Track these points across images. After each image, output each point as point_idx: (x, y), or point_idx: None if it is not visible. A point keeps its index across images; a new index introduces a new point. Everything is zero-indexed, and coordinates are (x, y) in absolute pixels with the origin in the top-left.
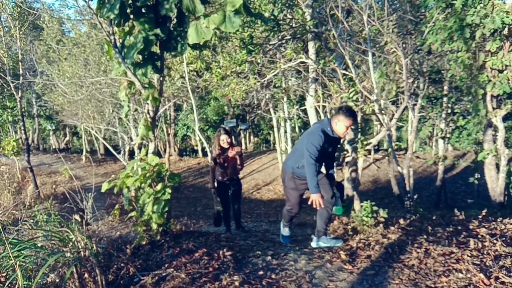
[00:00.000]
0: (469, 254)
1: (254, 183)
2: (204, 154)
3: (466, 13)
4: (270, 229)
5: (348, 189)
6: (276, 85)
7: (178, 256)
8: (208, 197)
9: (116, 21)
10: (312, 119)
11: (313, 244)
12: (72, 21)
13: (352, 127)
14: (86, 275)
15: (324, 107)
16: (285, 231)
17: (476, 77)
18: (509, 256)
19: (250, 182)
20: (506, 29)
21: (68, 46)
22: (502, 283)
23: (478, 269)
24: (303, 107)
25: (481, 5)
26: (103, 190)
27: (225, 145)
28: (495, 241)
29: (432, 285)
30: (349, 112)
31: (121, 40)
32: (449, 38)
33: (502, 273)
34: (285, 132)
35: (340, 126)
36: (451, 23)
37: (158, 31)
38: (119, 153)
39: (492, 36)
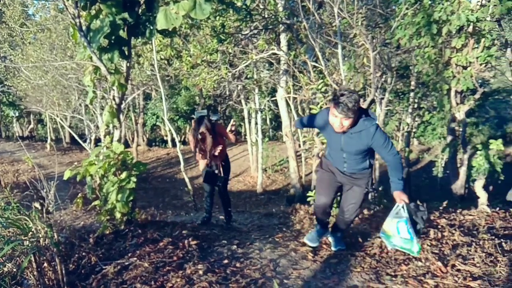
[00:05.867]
0: (429, 244)
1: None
2: (174, 144)
3: (433, 9)
4: (238, 219)
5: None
6: (248, 76)
7: (142, 245)
8: (176, 187)
9: (82, 4)
10: (283, 110)
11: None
12: (36, 4)
13: (339, 116)
14: (45, 264)
15: (294, 98)
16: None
17: (441, 72)
18: (466, 245)
19: None
20: (471, 26)
21: (33, 29)
22: (458, 270)
23: (437, 257)
24: (274, 98)
25: (448, 2)
26: (65, 178)
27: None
28: (453, 231)
29: (392, 273)
30: (336, 96)
31: (87, 24)
32: (417, 34)
33: (459, 261)
34: (256, 123)
35: (330, 115)
36: (419, 19)
37: (125, 15)
38: (85, 141)
39: (458, 33)
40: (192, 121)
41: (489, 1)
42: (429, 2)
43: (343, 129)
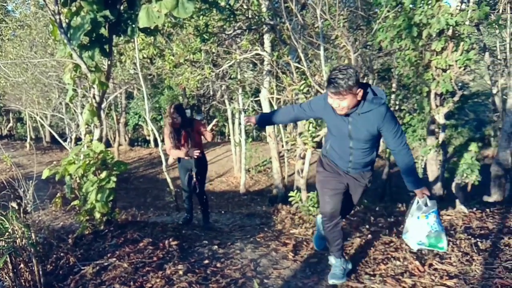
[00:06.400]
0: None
1: (206, 175)
2: (157, 144)
3: (414, 12)
4: (219, 219)
5: (298, 181)
6: (232, 76)
7: (121, 246)
8: (158, 188)
9: (62, 0)
10: (266, 111)
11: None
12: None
13: (334, 97)
14: (21, 265)
15: (278, 99)
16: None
17: (421, 75)
18: None
19: None
20: (451, 30)
21: (12, 26)
22: (435, 269)
23: (415, 257)
24: (257, 99)
25: (429, 6)
26: (43, 177)
27: (176, 125)
28: None
29: (371, 273)
30: (330, 74)
31: (67, 21)
32: (398, 36)
33: (436, 261)
34: (239, 124)
35: (328, 97)
36: (400, 22)
37: (107, 12)
38: (65, 140)
39: (438, 37)
40: (167, 107)
41: (468, 6)
42: (410, 6)
43: (344, 111)
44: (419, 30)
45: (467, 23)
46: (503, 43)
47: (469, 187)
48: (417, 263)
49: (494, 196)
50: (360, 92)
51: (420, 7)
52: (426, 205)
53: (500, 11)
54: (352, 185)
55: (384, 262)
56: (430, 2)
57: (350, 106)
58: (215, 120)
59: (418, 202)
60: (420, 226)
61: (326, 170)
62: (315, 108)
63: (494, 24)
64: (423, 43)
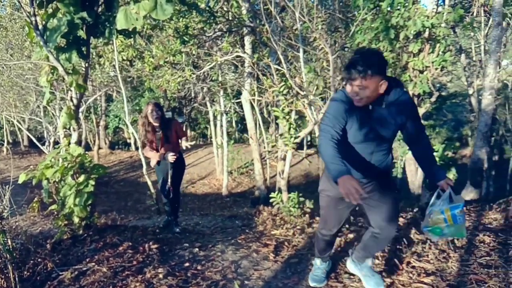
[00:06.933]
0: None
1: (189, 177)
2: (137, 147)
3: (391, 15)
4: (201, 222)
5: (279, 182)
6: (213, 79)
7: (101, 250)
8: (139, 191)
9: (38, 2)
10: (248, 113)
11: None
12: None
13: (353, 83)
14: None
15: (259, 101)
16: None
17: (399, 76)
18: (420, 243)
19: (185, 176)
20: (427, 32)
21: None
22: (413, 267)
23: (393, 255)
24: (239, 101)
25: (406, 8)
26: (20, 182)
27: (156, 122)
28: (410, 229)
29: (350, 271)
30: (353, 57)
31: (44, 22)
32: (376, 38)
33: (413, 259)
34: (221, 126)
35: (347, 87)
36: (378, 24)
37: (84, 14)
38: (43, 144)
39: (415, 39)
40: (145, 106)
41: (444, 8)
42: (388, 8)
43: (362, 102)
44: (396, 32)
45: (443, 25)
46: (478, 45)
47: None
48: (395, 260)
49: (471, 194)
50: (384, 85)
51: (397, 9)
52: (450, 197)
53: (474, 14)
54: (373, 193)
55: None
56: (406, 4)
57: (370, 98)
58: (188, 145)
59: (439, 194)
60: (443, 219)
61: (330, 195)
62: (339, 115)
63: (468, 26)
64: (400, 45)
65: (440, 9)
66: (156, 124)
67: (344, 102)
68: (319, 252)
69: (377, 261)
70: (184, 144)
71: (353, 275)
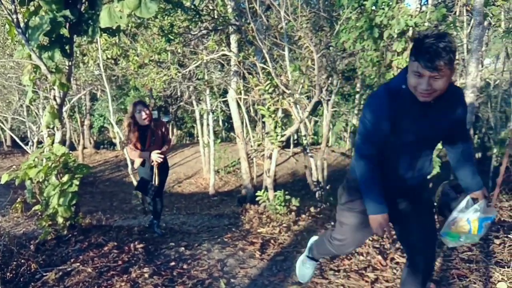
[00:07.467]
0: (370, 239)
1: (175, 177)
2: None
3: (375, 14)
4: (187, 221)
5: (266, 180)
6: (199, 77)
7: (85, 250)
8: (125, 191)
9: None
10: (234, 112)
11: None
12: None
13: (426, 74)
14: None
15: (245, 100)
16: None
17: (384, 75)
18: None
19: (171, 175)
20: (410, 31)
21: None
22: (397, 263)
23: (377, 251)
24: (225, 99)
25: (390, 7)
26: (2, 182)
27: (144, 123)
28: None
29: (336, 268)
30: (418, 41)
31: (26, 20)
32: (360, 37)
33: (397, 255)
34: (208, 125)
35: (409, 73)
36: (362, 23)
37: (67, 12)
38: (26, 144)
39: (399, 38)
40: (130, 105)
41: (427, 8)
42: (372, 7)
43: (431, 97)
44: (381, 31)
45: (426, 24)
46: (461, 44)
47: (430, 183)
48: (379, 257)
49: None
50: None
51: (381, 8)
52: (483, 209)
53: (457, 14)
54: (410, 207)
55: (348, 258)
56: (390, 3)
57: (443, 89)
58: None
59: (471, 202)
60: (468, 229)
61: (355, 211)
62: (383, 119)
63: (451, 25)
64: (384, 44)
65: (423, 8)
66: (144, 125)
67: (389, 101)
68: (320, 255)
69: (361, 258)
70: (162, 149)
71: (338, 271)
